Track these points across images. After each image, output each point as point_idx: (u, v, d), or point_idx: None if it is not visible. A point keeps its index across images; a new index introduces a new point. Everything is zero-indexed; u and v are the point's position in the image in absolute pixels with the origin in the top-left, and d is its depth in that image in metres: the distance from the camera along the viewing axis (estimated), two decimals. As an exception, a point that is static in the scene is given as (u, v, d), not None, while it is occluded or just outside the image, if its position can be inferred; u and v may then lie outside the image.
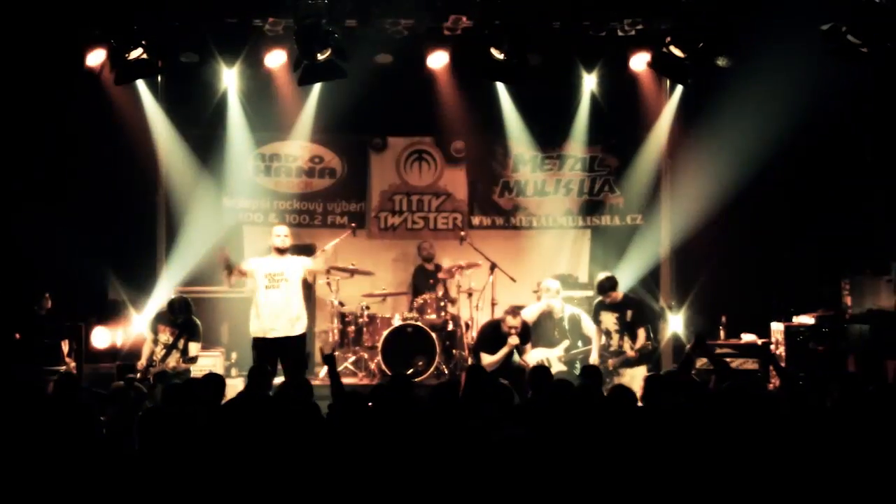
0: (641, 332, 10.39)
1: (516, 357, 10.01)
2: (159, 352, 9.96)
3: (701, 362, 10.27)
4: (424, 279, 12.80)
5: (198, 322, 10.32)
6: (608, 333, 10.50)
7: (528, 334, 10.26)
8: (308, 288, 11.14)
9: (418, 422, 5.59)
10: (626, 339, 10.40)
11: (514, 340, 9.93)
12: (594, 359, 10.24)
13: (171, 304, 10.29)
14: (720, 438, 5.17)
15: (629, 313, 10.48)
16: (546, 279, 11.13)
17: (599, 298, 10.70)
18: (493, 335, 10.23)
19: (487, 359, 10.03)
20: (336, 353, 11.59)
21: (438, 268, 12.80)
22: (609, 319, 10.51)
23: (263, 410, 5.69)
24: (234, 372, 11.68)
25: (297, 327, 10.04)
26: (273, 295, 9.98)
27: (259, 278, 10.04)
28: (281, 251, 10.13)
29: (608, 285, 10.58)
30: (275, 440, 5.16)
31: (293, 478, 4.86)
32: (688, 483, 4.82)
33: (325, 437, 5.37)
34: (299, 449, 5.11)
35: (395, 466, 4.87)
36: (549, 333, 10.55)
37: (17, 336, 10.73)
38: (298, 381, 7.36)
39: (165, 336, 10.03)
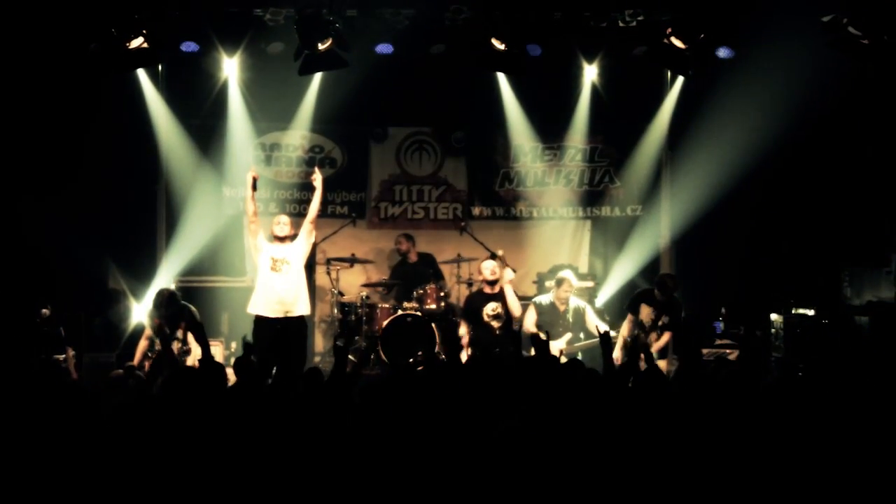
0: (666, 336, 10.27)
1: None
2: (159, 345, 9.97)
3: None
4: (414, 271, 12.76)
5: (192, 309, 10.27)
6: (641, 325, 10.39)
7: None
8: (308, 277, 11.15)
9: (419, 414, 5.58)
10: (654, 336, 10.29)
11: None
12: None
13: (156, 300, 10.23)
14: (717, 426, 5.18)
15: (667, 314, 10.37)
16: (564, 271, 11.12)
17: (653, 291, 10.36)
18: (475, 301, 10.51)
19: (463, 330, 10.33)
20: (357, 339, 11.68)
21: (427, 259, 12.83)
22: (646, 312, 10.42)
23: (258, 402, 5.68)
24: (233, 361, 11.69)
25: (298, 309, 10.09)
26: (276, 278, 10.02)
27: (263, 259, 10.08)
28: (282, 239, 10.17)
29: (672, 286, 10.29)
30: (272, 432, 5.16)
31: (289, 470, 4.87)
32: (688, 472, 4.84)
33: (324, 430, 5.37)
34: (297, 442, 5.12)
35: (395, 461, 4.88)
36: (553, 325, 10.57)
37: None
38: (295, 370, 7.33)
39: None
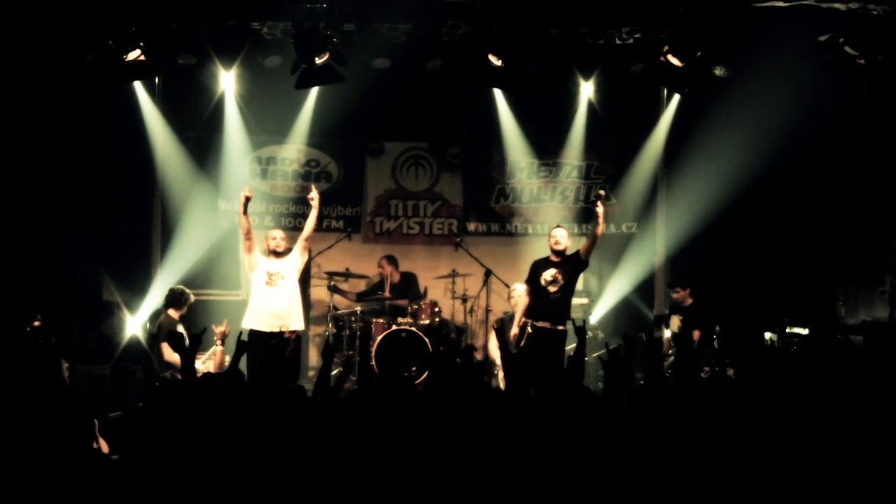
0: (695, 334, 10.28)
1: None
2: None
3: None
4: (395, 292, 12.70)
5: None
6: (674, 337, 10.45)
7: (579, 263, 10.28)
8: (302, 291, 11.15)
9: (413, 427, 5.56)
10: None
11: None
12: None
13: (179, 297, 10.42)
14: (713, 441, 5.18)
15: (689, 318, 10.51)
16: (516, 284, 11.18)
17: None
18: (537, 267, 10.36)
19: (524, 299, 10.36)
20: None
21: (408, 278, 12.80)
22: (675, 322, 10.53)
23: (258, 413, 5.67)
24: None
25: (293, 323, 10.10)
26: (271, 292, 10.04)
27: (258, 273, 10.11)
28: (277, 254, 10.19)
29: (674, 282, 10.93)
30: (266, 444, 5.15)
31: (287, 482, 4.86)
32: (680, 484, 4.83)
33: (318, 440, 5.36)
34: (291, 453, 5.10)
35: (389, 474, 4.86)
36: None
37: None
38: (289, 385, 7.31)
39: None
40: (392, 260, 12.78)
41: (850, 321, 11.36)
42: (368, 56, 11.69)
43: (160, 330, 10.20)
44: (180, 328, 10.36)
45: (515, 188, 13.54)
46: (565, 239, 10.23)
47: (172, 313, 10.44)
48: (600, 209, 10.05)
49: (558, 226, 10.61)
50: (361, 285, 13.00)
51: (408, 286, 12.72)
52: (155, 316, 11.82)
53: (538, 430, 5.21)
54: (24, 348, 10.48)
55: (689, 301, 10.74)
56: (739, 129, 11.95)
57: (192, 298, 10.63)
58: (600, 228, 10.11)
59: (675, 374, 9.08)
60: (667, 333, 10.76)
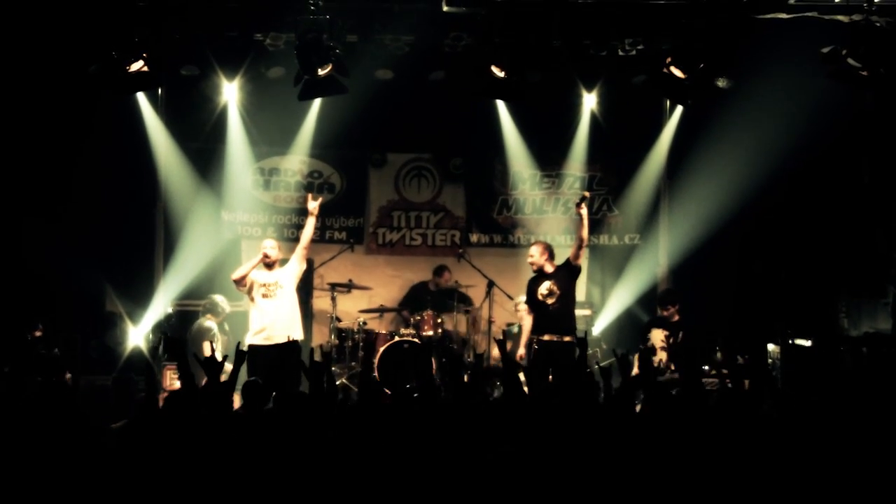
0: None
1: None
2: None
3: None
4: (426, 296, 12.70)
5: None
6: (653, 351, 10.43)
7: (572, 269, 10.24)
8: (305, 303, 11.15)
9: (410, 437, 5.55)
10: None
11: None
12: None
13: (216, 306, 11.28)
14: (717, 454, 5.16)
15: (681, 335, 10.45)
16: (521, 297, 11.14)
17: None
18: (531, 286, 10.34)
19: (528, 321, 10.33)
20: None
21: (449, 292, 12.77)
22: (658, 336, 10.51)
23: (263, 426, 5.66)
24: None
25: (294, 333, 10.08)
26: (269, 304, 10.02)
27: (254, 288, 10.09)
28: (270, 265, 10.18)
29: (668, 299, 10.82)
30: (273, 456, 5.14)
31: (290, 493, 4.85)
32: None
33: (322, 453, 5.34)
34: (296, 465, 5.09)
35: (392, 484, 4.85)
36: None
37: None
38: (293, 393, 7.30)
39: None
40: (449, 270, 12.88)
41: (853, 332, 11.34)
42: (371, 67, 11.69)
43: (197, 331, 11.16)
44: (214, 331, 11.16)
45: (518, 199, 13.53)
46: (537, 255, 10.26)
47: (210, 318, 11.26)
48: (584, 211, 10.05)
49: (534, 243, 10.64)
50: (365, 297, 12.95)
51: (451, 297, 12.74)
52: (157, 327, 11.84)
53: (539, 439, 5.20)
54: (27, 358, 10.51)
55: (677, 318, 10.73)
56: (742, 140, 11.95)
57: (229, 309, 11.41)
58: (585, 231, 10.11)
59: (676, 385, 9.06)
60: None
